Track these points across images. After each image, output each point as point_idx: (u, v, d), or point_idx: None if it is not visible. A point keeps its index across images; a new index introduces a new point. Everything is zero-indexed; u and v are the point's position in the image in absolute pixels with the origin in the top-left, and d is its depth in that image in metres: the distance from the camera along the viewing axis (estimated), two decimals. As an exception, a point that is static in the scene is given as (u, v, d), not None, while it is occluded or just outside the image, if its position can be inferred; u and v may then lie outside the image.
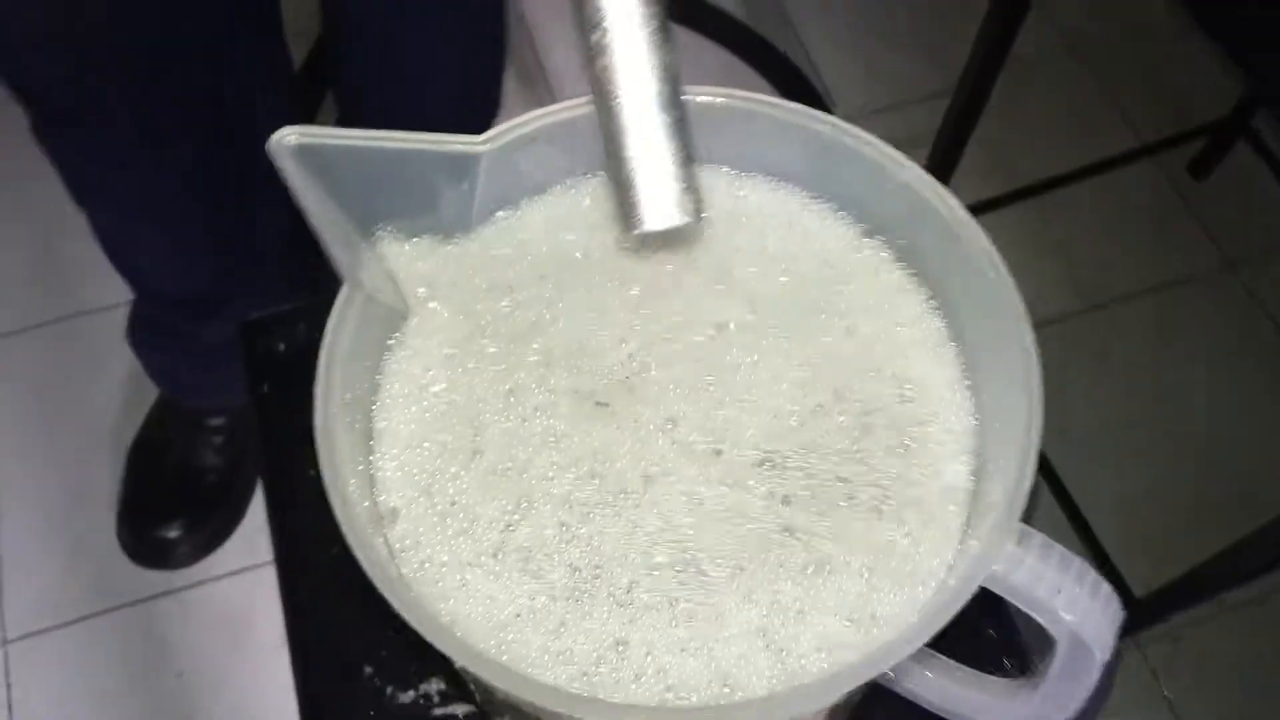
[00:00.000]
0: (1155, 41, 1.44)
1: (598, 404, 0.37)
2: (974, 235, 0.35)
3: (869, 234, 0.39)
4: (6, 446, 1.18)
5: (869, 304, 0.38)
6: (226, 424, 1.08)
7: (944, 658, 0.40)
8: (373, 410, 0.36)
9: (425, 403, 0.37)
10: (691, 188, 0.33)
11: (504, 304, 0.39)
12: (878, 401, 0.37)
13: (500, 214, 0.40)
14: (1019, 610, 0.52)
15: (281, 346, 0.62)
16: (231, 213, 0.89)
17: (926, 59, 1.39)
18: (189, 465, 1.08)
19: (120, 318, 1.09)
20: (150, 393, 1.15)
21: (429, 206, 0.38)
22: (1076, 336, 1.21)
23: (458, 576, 0.34)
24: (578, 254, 0.40)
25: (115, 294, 1.14)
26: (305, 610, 0.54)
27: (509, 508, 0.35)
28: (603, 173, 0.40)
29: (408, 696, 0.52)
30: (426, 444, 0.36)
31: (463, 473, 0.35)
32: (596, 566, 0.34)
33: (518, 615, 0.33)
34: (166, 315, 1.00)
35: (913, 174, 0.36)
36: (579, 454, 0.36)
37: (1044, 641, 0.35)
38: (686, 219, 0.33)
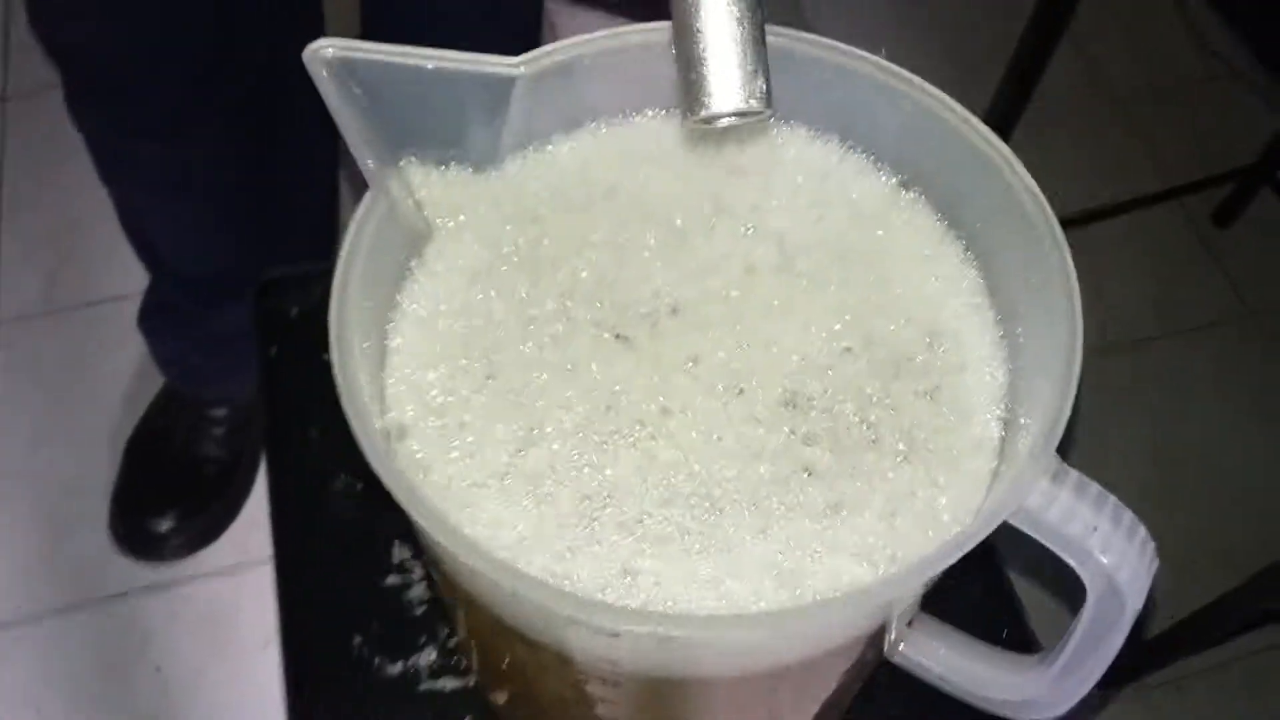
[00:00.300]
0: (1185, 86, 1.44)
1: (618, 337, 0.36)
2: (1018, 175, 0.34)
3: (907, 185, 0.39)
4: (7, 430, 1.17)
5: (903, 253, 0.37)
6: (229, 415, 1.07)
7: (958, 631, 0.39)
8: (388, 328, 0.35)
9: (441, 324, 0.35)
10: (762, 75, 0.32)
11: (529, 235, 0.38)
12: (908, 349, 0.35)
13: (531, 148, 0.39)
14: (1031, 608, 0.50)
15: (295, 310, 0.61)
16: (258, 195, 0.89)
17: (956, 90, 1.40)
18: (188, 455, 1.06)
19: (134, 309, 1.08)
20: (157, 386, 1.14)
21: (460, 133, 0.37)
22: (1095, 376, 1.20)
23: (463, 497, 0.32)
24: (608, 191, 0.39)
25: (130, 284, 1.14)
26: (296, 575, 0.53)
27: (520, 433, 0.33)
28: (638, 113, 0.40)
29: (396, 668, 0.50)
30: (440, 364, 0.35)
31: (475, 395, 0.34)
32: (607, 495, 0.32)
33: (523, 539, 0.31)
34: (181, 300, 0.99)
35: (956, 113, 0.35)
36: (596, 384, 0.34)
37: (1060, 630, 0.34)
38: (754, 105, 0.32)
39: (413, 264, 0.36)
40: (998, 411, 0.34)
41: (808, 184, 0.39)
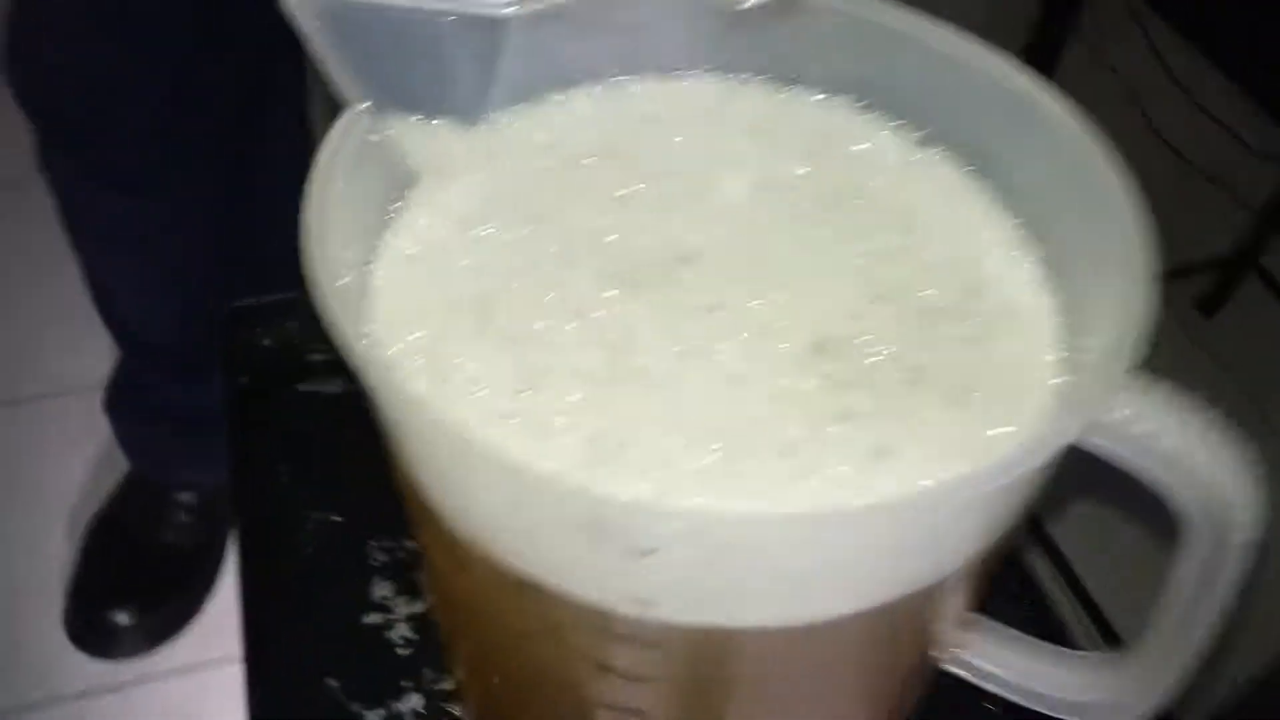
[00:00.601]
0: (1153, 186, 1.46)
1: (627, 285, 0.32)
2: (1051, 102, 0.31)
3: (929, 141, 0.36)
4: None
5: (930, 207, 0.34)
6: (196, 502, 1.01)
7: (1017, 631, 0.34)
8: (370, 266, 0.32)
9: (430, 265, 0.32)
10: None
11: (523, 186, 0.35)
12: (946, 297, 0.32)
13: (524, 104, 0.37)
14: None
15: (266, 340, 0.57)
16: (231, 260, 0.86)
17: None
18: (149, 544, 1.00)
19: (98, 401, 1.04)
20: (120, 476, 1.08)
21: (447, 83, 0.35)
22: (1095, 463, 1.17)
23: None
24: (609, 149, 0.36)
25: (95, 376, 1.10)
26: (264, 612, 0.47)
27: (522, 374, 0.29)
28: (640, 74, 0.37)
29: (375, 716, 0.45)
30: (430, 306, 0.31)
31: (469, 337, 0.30)
32: (621, 438, 0.28)
33: (526, 483, 0.27)
34: (150, 377, 0.95)
35: (978, 54, 0.33)
36: (603, 329, 0.31)
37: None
38: None
39: (396, 208, 0.33)
40: (1056, 354, 0.30)
41: (822, 144, 0.36)
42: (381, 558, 0.49)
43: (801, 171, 0.35)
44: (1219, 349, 1.28)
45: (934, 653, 0.34)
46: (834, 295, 0.32)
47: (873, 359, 0.30)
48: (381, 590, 0.48)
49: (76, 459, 1.16)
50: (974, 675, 0.34)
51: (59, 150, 0.77)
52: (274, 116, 0.84)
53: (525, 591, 0.27)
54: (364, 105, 0.31)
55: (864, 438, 0.29)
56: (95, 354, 1.08)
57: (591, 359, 0.30)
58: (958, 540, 0.27)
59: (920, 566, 0.27)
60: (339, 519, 0.50)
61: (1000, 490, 0.26)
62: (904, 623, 0.29)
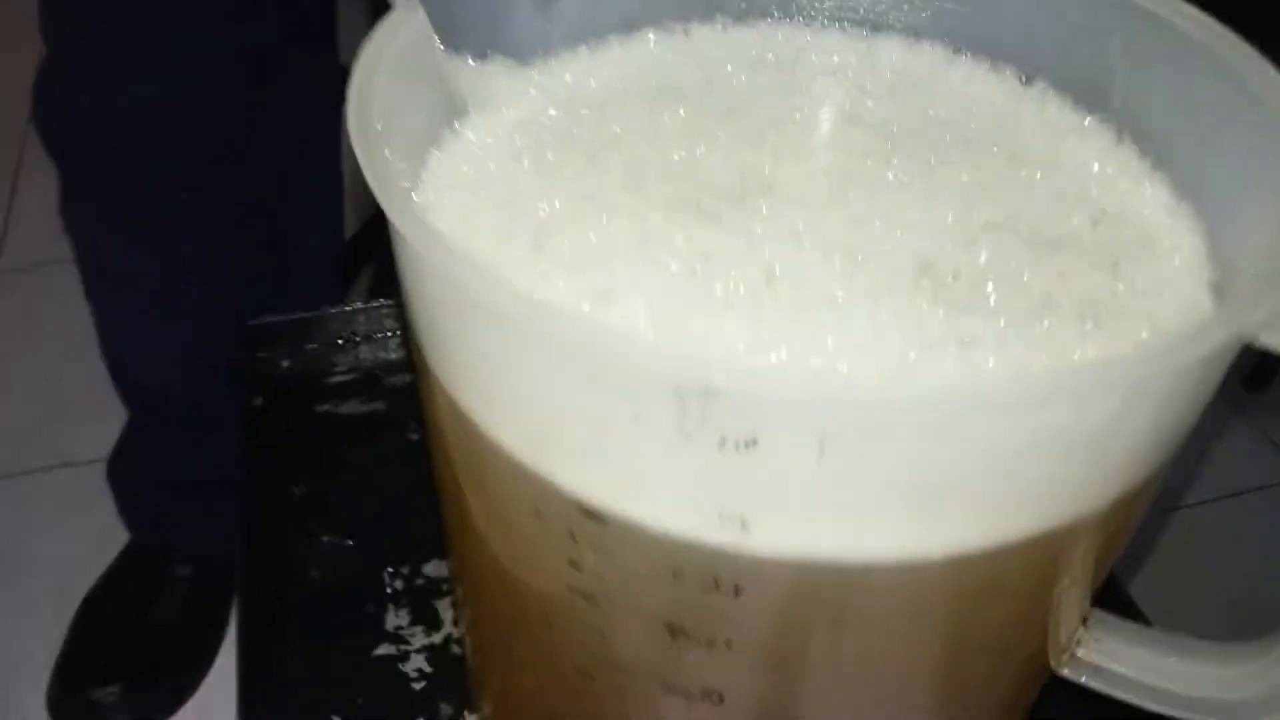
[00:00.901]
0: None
1: (698, 212, 0.28)
2: (1183, 13, 0.28)
3: (1030, 78, 0.33)
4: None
5: (1037, 138, 0.31)
6: (194, 575, 0.95)
7: (1154, 630, 0.29)
8: (413, 193, 0.28)
9: (480, 192, 0.28)
10: None
11: (582, 119, 0.31)
12: (1067, 226, 0.28)
13: (581, 49, 0.34)
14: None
15: (285, 362, 0.53)
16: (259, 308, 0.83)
17: None
18: (142, 621, 0.94)
19: (99, 476, 1.00)
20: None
21: (503, 21, 0.32)
22: (1154, 536, 1.11)
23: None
24: (678, 89, 0.33)
25: (96, 450, 1.06)
26: (265, 640, 0.42)
27: (586, 296, 0.25)
28: (707, 20, 0.35)
29: (385, 758, 0.39)
30: (480, 228, 0.27)
31: (523, 261, 0.26)
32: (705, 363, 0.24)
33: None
34: (158, 436, 0.91)
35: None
36: (678, 251, 0.27)
37: None
38: None
39: (444, 133, 0.30)
40: (1203, 276, 0.26)
41: (911, 83, 0.33)
42: (397, 585, 0.44)
43: (890, 108, 0.32)
44: (1270, 424, 1.25)
45: (1052, 650, 0.29)
46: (937, 223, 0.28)
47: (990, 285, 0.26)
48: (396, 620, 0.43)
49: (74, 534, 1.10)
50: (1093, 677, 0.29)
51: (83, 196, 0.75)
52: (307, 170, 0.82)
53: (585, 534, 0.22)
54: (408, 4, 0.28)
55: (992, 358, 0.24)
56: (98, 429, 1.05)
57: (661, 281, 0.26)
58: (1100, 461, 0.22)
59: (1059, 493, 0.22)
60: (352, 543, 0.46)
61: (1160, 401, 0.21)
62: (1031, 582, 0.24)
